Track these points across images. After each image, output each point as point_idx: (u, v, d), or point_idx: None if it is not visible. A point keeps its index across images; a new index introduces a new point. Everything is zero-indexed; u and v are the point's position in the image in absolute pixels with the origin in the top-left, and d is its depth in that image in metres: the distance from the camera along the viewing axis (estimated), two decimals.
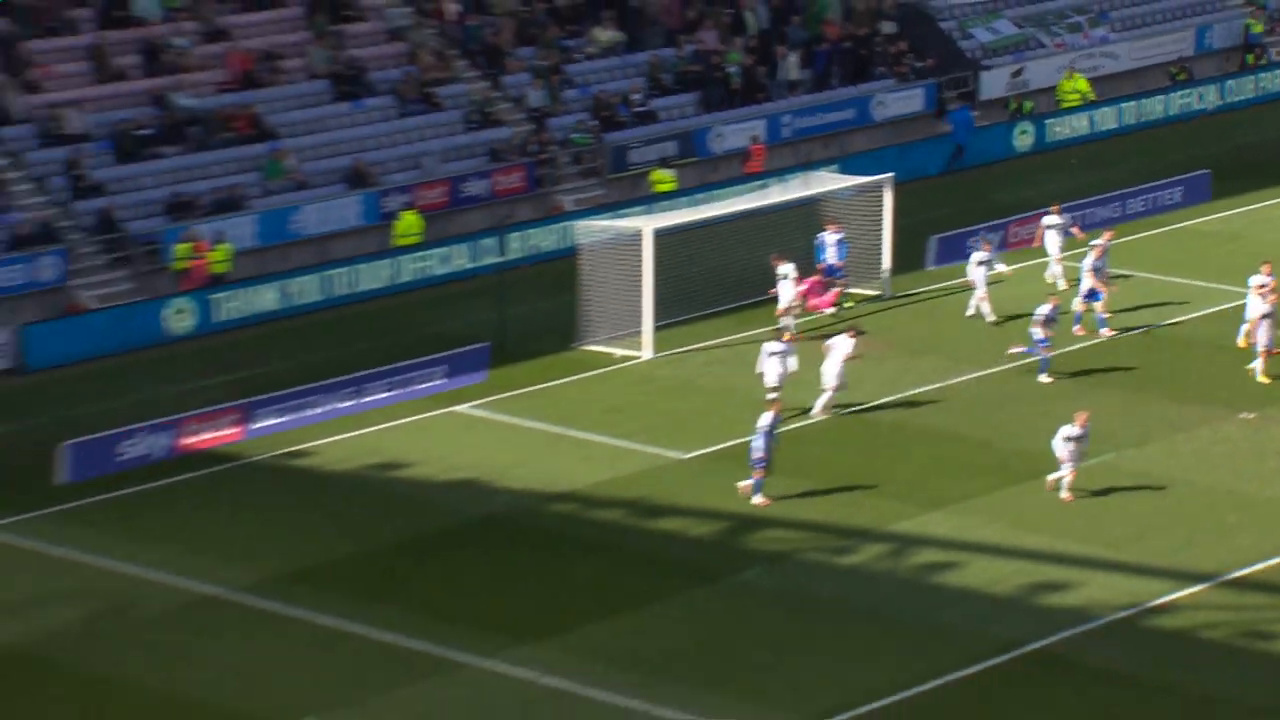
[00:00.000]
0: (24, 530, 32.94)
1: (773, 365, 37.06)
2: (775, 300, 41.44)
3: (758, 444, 33.46)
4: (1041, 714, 27.58)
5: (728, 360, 40.69)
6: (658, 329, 41.10)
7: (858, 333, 38.22)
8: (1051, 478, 33.67)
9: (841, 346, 37.35)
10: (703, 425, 37.34)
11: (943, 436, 36.68)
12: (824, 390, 37.26)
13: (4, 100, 45.92)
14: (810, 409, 37.15)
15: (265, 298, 43.59)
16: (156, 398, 38.48)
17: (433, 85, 50.68)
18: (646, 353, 40.97)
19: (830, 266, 43.00)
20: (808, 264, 42.86)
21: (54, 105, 46.36)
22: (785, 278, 41.25)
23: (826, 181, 45.26)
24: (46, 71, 47.23)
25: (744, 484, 33.75)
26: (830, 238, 43.14)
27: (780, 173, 48.48)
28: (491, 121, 50.65)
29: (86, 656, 28.88)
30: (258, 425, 36.69)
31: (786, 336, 38.93)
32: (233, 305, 43.19)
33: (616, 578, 31.53)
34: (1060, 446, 33.39)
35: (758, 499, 33.62)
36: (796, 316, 41.38)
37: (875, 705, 27.56)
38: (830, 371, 37.21)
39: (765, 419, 33.62)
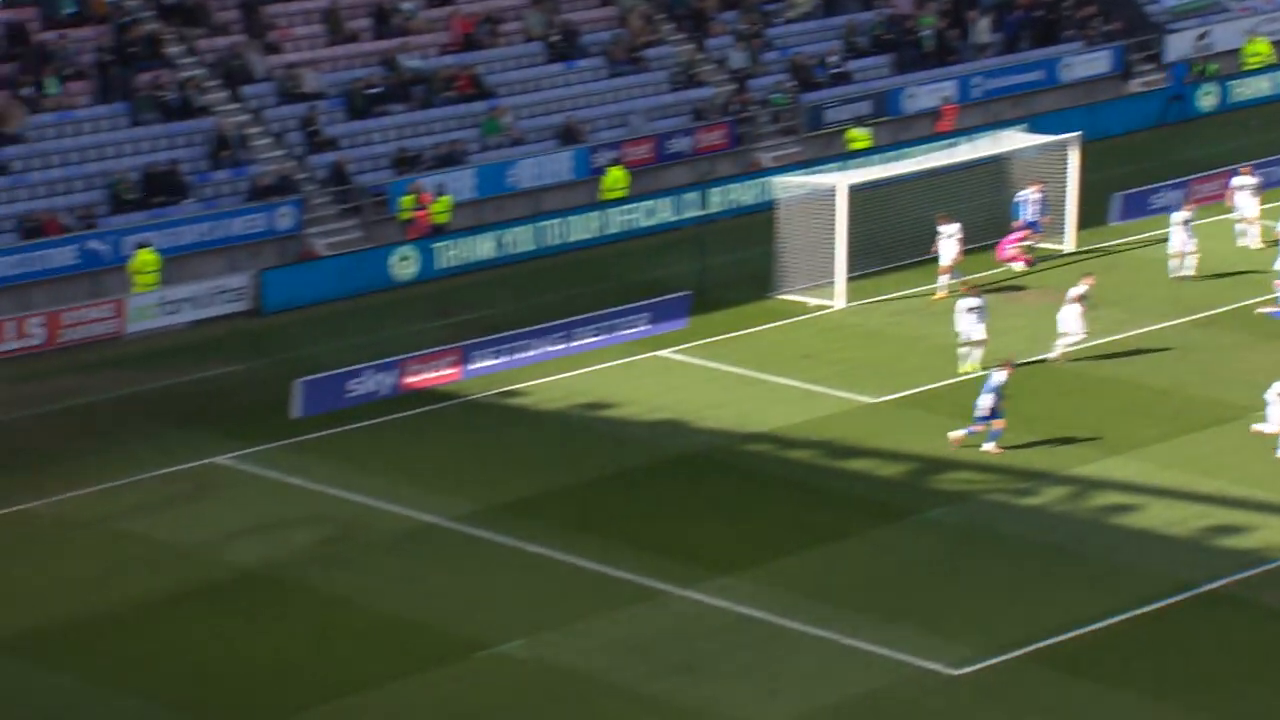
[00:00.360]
0: (262, 460, 33.62)
1: (969, 320, 36.64)
2: (956, 256, 40.92)
3: (985, 401, 33.01)
4: (1217, 651, 27.18)
5: (916, 310, 40.41)
6: (850, 280, 40.94)
7: (1092, 278, 37.66)
8: (1256, 428, 32.92)
9: (1078, 293, 36.93)
10: (891, 371, 37.16)
11: (1123, 384, 36.19)
12: (1064, 334, 36.83)
13: (247, 60, 46.69)
14: (1050, 354, 36.83)
15: (483, 247, 44.01)
16: (382, 339, 39.06)
17: (641, 47, 50.73)
18: (839, 302, 40.82)
19: (1031, 223, 42.50)
20: (989, 223, 42.44)
21: (292, 65, 47.06)
22: (949, 237, 40.79)
23: (1015, 140, 44.74)
24: (285, 34, 47.95)
25: (956, 434, 33.36)
26: (1033, 195, 42.63)
27: (970, 132, 47.94)
28: (695, 82, 50.62)
29: (318, 578, 29.45)
30: (475, 366, 37.10)
31: (961, 289, 38.54)
32: (452, 253, 43.66)
33: (808, 514, 31.53)
34: (1275, 398, 32.63)
35: (989, 446, 33.17)
36: (959, 275, 40.91)
37: (1054, 640, 27.33)
38: (1070, 318, 36.77)
39: (999, 375, 33.23)
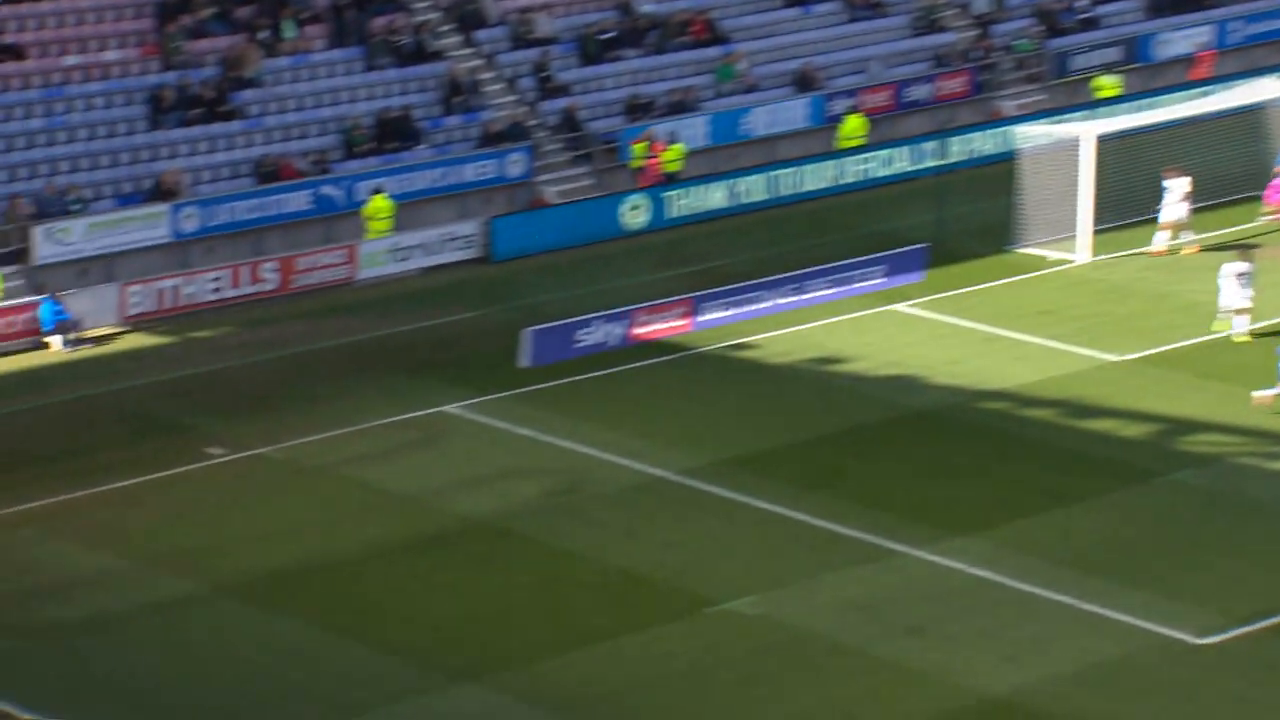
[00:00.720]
0: (490, 409, 34.01)
1: (1235, 286, 35.55)
2: (1182, 212, 39.91)
3: None
4: None
5: (1164, 266, 39.63)
6: (1094, 233, 40.25)
7: None
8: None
9: None
10: (1137, 329, 36.50)
11: None
12: None
13: (480, 5, 47.05)
14: None
15: (715, 196, 43.99)
16: (611, 289, 39.26)
17: None
18: (1082, 256, 40.18)
19: None
20: (1245, 176, 41.40)
21: (525, 10, 47.33)
22: (1176, 192, 39.77)
23: (1274, 88, 43.54)
24: None
25: (1260, 394, 32.58)
26: None
27: (1227, 79, 46.79)
28: (937, 27, 50.01)
29: (545, 530, 29.73)
30: (705, 318, 37.13)
31: (1185, 250, 37.62)
32: (684, 202, 43.70)
33: (1047, 474, 31.12)
34: None
35: None
36: (1175, 235, 39.92)
37: None
38: None
39: None
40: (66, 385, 35.25)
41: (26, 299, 37.44)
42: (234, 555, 29.02)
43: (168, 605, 27.57)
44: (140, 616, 27.22)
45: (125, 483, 31.12)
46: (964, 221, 41.98)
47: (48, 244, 38.75)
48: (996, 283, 39.25)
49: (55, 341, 36.96)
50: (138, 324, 38.10)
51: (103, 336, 37.58)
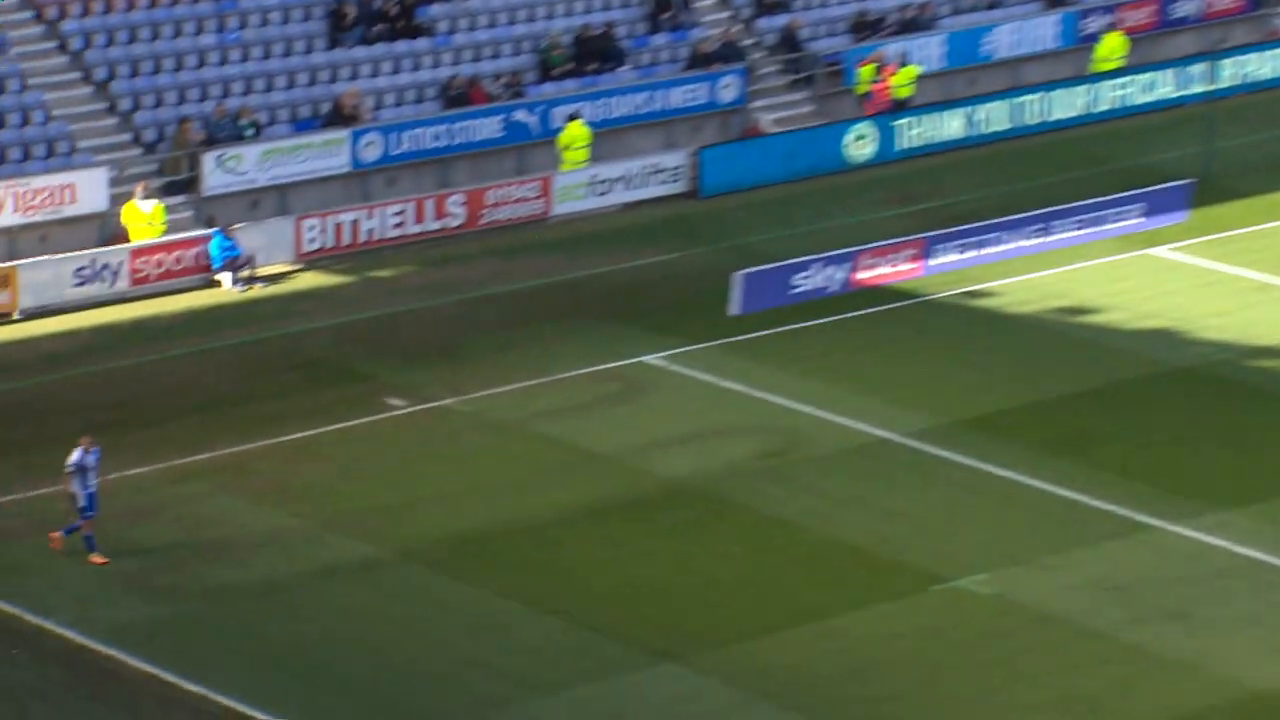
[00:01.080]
0: (696, 360, 34.10)
1: None
2: None
3: None
4: None
5: None
6: None
7: None
8: None
9: None
10: None
11: None
12: None
13: None
14: None
15: (950, 125, 43.65)
16: (832, 228, 39.15)
17: None
18: None
19: None
20: None
21: None
22: None
23: None
24: None
25: None
26: None
27: None
28: None
29: (756, 495, 29.78)
30: (937, 261, 36.87)
31: None
32: (916, 132, 43.41)
33: None
34: None
35: None
36: None
37: None
38: None
39: None
40: (236, 327, 35.91)
41: (195, 232, 38.17)
42: (415, 517, 29.40)
43: (344, 569, 28.02)
44: (314, 581, 27.70)
45: (298, 435, 31.66)
46: (1235, 155, 41.39)
47: (218, 172, 39.44)
48: (1272, 224, 38.64)
49: (225, 279, 37.66)
50: (313, 261, 38.69)
51: (276, 275, 38.21)
